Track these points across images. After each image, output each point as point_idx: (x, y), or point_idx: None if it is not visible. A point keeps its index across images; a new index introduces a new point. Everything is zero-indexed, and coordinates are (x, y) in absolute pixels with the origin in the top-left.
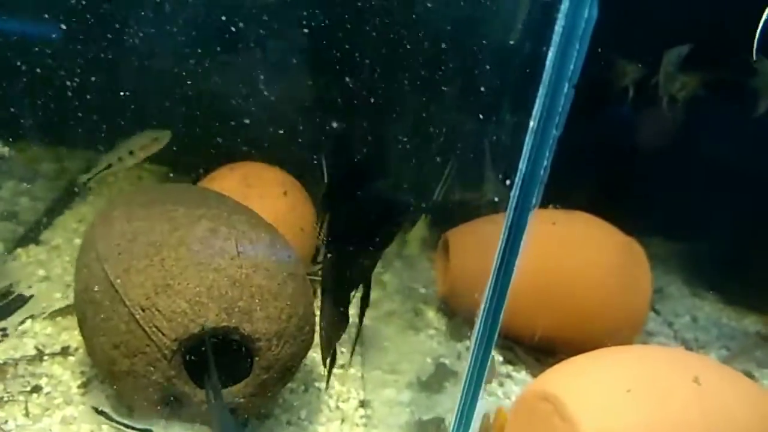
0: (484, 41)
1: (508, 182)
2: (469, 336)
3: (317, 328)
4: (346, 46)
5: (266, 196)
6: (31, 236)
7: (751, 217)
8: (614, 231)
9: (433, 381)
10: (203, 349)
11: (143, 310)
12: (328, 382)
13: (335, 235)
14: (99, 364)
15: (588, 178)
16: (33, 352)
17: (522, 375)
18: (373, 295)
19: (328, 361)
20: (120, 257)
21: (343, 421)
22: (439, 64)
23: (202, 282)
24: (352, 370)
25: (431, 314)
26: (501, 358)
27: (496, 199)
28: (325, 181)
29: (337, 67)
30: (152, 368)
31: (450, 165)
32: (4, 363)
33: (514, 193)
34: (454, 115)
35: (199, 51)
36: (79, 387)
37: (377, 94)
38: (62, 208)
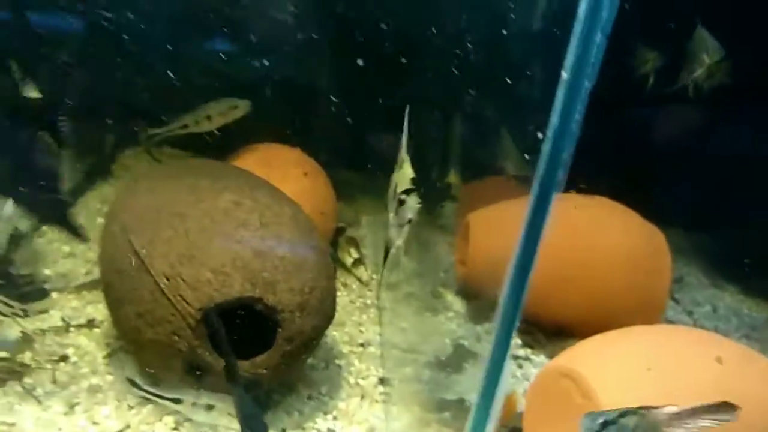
0: None
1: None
2: (489, 319)
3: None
4: None
5: (287, 176)
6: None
7: None
8: (636, 217)
9: (453, 361)
10: (225, 321)
11: (168, 280)
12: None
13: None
14: (124, 334)
15: (610, 167)
16: (60, 324)
17: (541, 358)
18: (392, 277)
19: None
20: (145, 228)
21: (362, 397)
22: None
23: (226, 253)
24: (371, 348)
25: (450, 297)
26: (520, 342)
27: None
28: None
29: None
30: (177, 337)
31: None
32: (32, 333)
33: (546, 148)
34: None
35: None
36: (104, 357)
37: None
38: (85, 188)
